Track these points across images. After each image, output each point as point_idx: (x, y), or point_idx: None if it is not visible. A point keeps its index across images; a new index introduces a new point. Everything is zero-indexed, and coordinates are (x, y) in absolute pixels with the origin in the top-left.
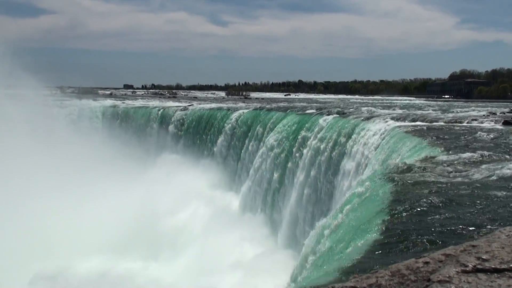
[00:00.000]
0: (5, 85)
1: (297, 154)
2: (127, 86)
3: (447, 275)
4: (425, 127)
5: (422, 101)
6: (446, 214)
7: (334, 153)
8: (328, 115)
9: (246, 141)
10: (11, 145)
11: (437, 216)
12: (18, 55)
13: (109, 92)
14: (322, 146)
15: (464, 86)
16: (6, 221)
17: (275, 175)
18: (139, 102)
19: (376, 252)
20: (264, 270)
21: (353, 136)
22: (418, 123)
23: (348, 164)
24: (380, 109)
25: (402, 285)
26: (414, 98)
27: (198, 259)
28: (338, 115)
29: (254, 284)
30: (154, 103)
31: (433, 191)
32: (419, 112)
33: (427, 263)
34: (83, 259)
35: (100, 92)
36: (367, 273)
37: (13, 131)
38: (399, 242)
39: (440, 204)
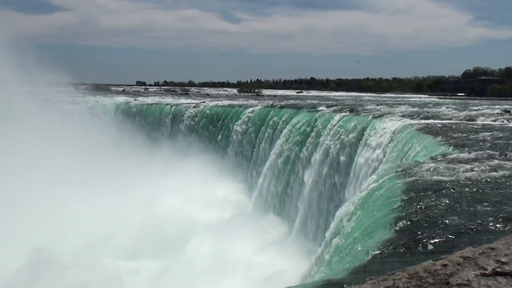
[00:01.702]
0: (18, 82)
1: (309, 152)
2: (139, 83)
3: (466, 278)
4: (438, 125)
5: (435, 99)
6: (461, 214)
7: (346, 151)
8: (340, 112)
9: (258, 138)
10: (24, 141)
11: (451, 216)
12: (31, 52)
13: (121, 89)
14: (334, 144)
15: (477, 84)
16: (16, 217)
17: (287, 173)
18: (151, 99)
19: (389, 253)
20: (276, 268)
21: (365, 134)
22: (431, 121)
23: (360, 162)
24: (393, 107)
25: None
26: (427, 96)
27: (209, 259)
28: (350, 113)
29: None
30: (167, 100)
31: (446, 190)
32: (432, 110)
33: (445, 265)
34: (92, 254)
35: (113, 89)
36: (383, 275)
37: (27, 127)
38: (413, 243)
39: (454, 204)
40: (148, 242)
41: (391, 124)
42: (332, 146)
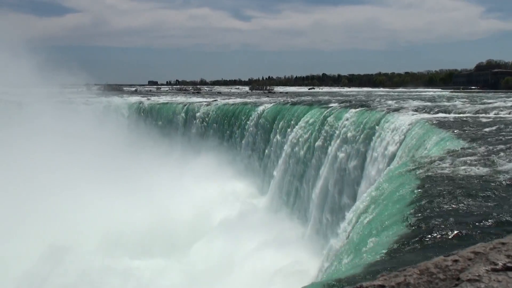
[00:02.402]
0: (32, 84)
1: (322, 148)
2: (151, 83)
3: (477, 274)
4: (451, 119)
5: (448, 93)
6: (474, 209)
7: (358, 147)
8: (352, 108)
9: (271, 136)
10: (38, 142)
11: (464, 211)
12: (44, 54)
13: (134, 88)
14: (346, 140)
15: (490, 77)
16: (30, 217)
17: (301, 169)
18: (164, 99)
19: (401, 248)
20: (290, 265)
21: (378, 129)
22: (444, 115)
23: (373, 158)
24: (406, 101)
25: (431, 284)
26: (440, 90)
27: (223, 258)
28: (362, 108)
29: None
30: (179, 99)
31: (460, 184)
32: (445, 103)
33: (456, 261)
34: (105, 253)
35: (125, 89)
36: (395, 272)
37: (40, 129)
38: (424, 238)
39: (467, 199)
40: (160, 239)
41: (404, 119)
42: (345, 142)
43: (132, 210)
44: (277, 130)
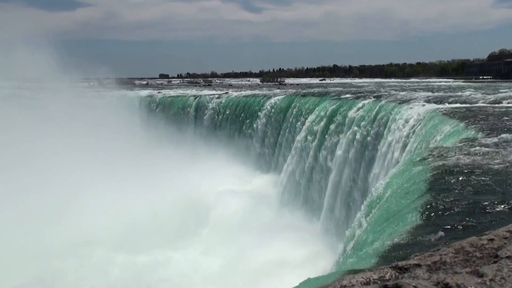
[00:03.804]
0: (44, 78)
1: (333, 139)
2: (162, 76)
3: None
4: (463, 109)
5: (460, 83)
6: (488, 199)
7: (370, 138)
8: (364, 99)
9: (283, 127)
10: (50, 137)
11: (479, 200)
12: (56, 48)
13: (145, 82)
14: (358, 131)
15: (503, 66)
16: (49, 215)
17: (312, 161)
18: (175, 92)
19: (417, 239)
20: (303, 259)
21: (390, 120)
22: (456, 105)
23: (385, 148)
24: (417, 92)
25: (468, 262)
26: (452, 80)
27: (236, 252)
28: (374, 99)
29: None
30: (190, 92)
31: (473, 174)
32: (457, 94)
33: (491, 240)
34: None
35: (137, 82)
36: (429, 251)
37: (52, 123)
38: (440, 228)
39: (481, 188)
40: (171, 233)
41: (416, 109)
42: (357, 133)
43: (148, 204)
44: (289, 122)
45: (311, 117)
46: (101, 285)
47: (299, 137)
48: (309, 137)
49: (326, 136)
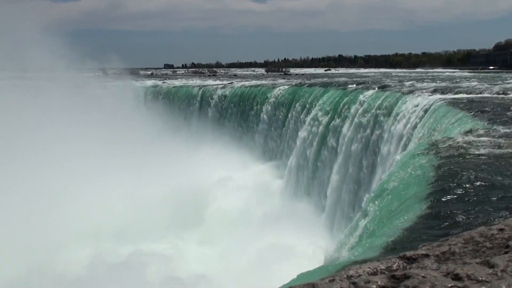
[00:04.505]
0: (49, 68)
1: (337, 130)
2: (167, 66)
3: None
4: (469, 100)
5: (466, 73)
6: (494, 189)
7: (375, 128)
8: (368, 89)
9: (288, 117)
10: (56, 128)
11: (485, 191)
12: (61, 39)
13: (150, 72)
14: (363, 121)
15: (509, 57)
16: (57, 205)
17: (317, 152)
18: (180, 82)
19: (424, 229)
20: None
21: (395, 110)
22: (461, 95)
23: (390, 139)
24: (423, 82)
25: (478, 252)
26: (458, 70)
27: (241, 243)
28: (379, 89)
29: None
30: (195, 82)
31: (479, 165)
32: (463, 84)
33: (502, 230)
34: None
35: (141, 72)
36: (437, 241)
37: (58, 114)
38: (447, 218)
39: (487, 179)
40: (175, 222)
41: (421, 99)
42: (362, 123)
43: (150, 193)
44: (294, 112)
45: (316, 107)
46: (102, 277)
47: (304, 127)
48: (313, 128)
49: (331, 125)
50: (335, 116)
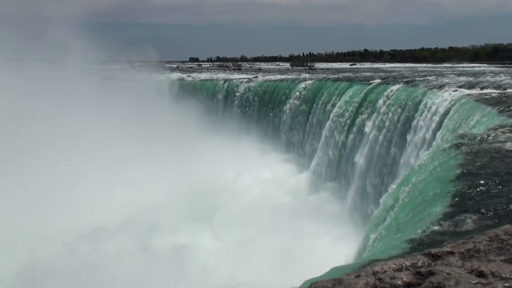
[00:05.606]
0: (76, 60)
1: (362, 125)
2: (192, 59)
3: None
4: (496, 95)
5: (493, 68)
6: None
7: (401, 123)
8: (394, 84)
9: (312, 111)
10: (81, 119)
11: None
12: (88, 31)
13: (175, 65)
14: (388, 117)
15: None
16: (73, 198)
17: (341, 146)
18: (204, 75)
19: (451, 223)
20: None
21: (421, 106)
22: (489, 90)
23: (415, 134)
24: (449, 77)
25: (502, 250)
26: (485, 65)
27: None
28: (405, 84)
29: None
30: (220, 75)
31: (506, 161)
32: (490, 79)
33: None
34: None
35: (167, 65)
36: (462, 239)
37: (83, 105)
38: (473, 214)
39: None
40: (198, 213)
41: (448, 95)
42: (387, 118)
43: (173, 185)
44: (319, 105)
45: (341, 102)
46: (115, 270)
47: (329, 121)
48: (338, 124)
49: (356, 121)
50: (360, 111)
